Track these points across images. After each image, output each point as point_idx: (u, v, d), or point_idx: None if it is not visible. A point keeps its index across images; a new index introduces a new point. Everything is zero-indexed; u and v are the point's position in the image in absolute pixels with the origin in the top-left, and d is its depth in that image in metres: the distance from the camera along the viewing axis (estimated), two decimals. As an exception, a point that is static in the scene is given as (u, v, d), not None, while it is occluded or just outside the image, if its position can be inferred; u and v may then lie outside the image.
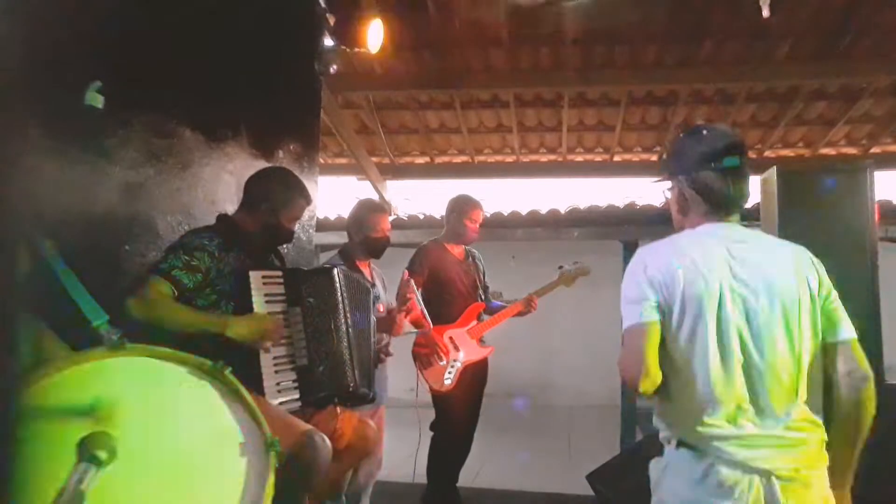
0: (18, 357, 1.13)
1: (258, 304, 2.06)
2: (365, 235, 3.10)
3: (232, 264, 2.12)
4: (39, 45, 1.72)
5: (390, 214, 3.68)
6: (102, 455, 0.92)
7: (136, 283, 1.96)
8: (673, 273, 1.59)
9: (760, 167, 4.81)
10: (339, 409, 2.28)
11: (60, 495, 0.86)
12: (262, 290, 2.09)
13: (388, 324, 2.99)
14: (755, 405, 1.54)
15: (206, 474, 1.11)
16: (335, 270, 2.25)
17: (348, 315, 2.21)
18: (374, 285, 3.15)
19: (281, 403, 2.04)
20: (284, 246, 3.43)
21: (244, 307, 2.04)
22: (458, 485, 3.69)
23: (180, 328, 1.84)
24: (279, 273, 2.19)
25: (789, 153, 6.59)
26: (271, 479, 1.12)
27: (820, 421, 1.64)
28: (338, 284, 2.22)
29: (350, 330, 2.20)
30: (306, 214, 3.72)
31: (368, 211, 3.17)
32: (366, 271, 3.16)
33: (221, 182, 2.86)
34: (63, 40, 1.88)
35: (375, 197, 6.73)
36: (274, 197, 2.27)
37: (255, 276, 2.09)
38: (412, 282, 3.24)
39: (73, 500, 0.86)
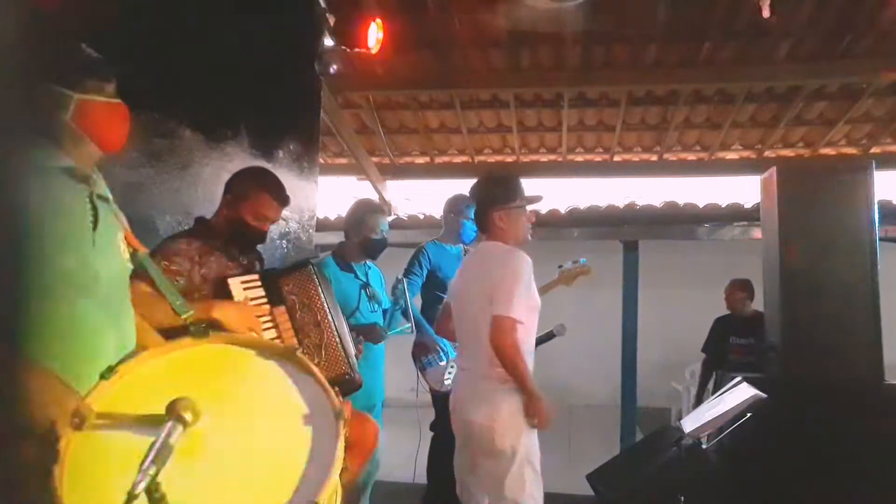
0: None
1: None
2: (364, 236, 3.08)
3: (214, 268, 2.10)
4: (39, 45, 1.72)
5: (389, 215, 3.66)
6: (188, 416, 1.08)
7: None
8: None
9: (760, 167, 4.84)
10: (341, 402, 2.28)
11: (152, 448, 1.01)
12: (244, 296, 2.08)
13: (370, 331, 2.93)
14: None
15: (274, 442, 1.26)
16: (310, 265, 2.26)
17: (329, 306, 2.23)
18: (367, 285, 3.14)
19: None
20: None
21: None
22: (458, 485, 3.69)
23: (169, 321, 1.79)
24: (256, 276, 2.17)
25: (789, 153, 6.59)
26: (340, 444, 1.24)
27: None
28: (315, 277, 2.23)
29: (334, 320, 2.22)
30: (306, 214, 3.73)
31: (368, 212, 3.15)
32: (360, 271, 3.14)
33: (221, 182, 2.84)
34: (63, 40, 1.87)
35: (375, 197, 6.73)
36: (237, 190, 2.21)
37: (234, 283, 2.07)
38: (404, 282, 3.24)
39: (163, 452, 1.01)
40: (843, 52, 4.84)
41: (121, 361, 1.35)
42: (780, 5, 3.92)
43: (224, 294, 2.05)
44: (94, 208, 1.48)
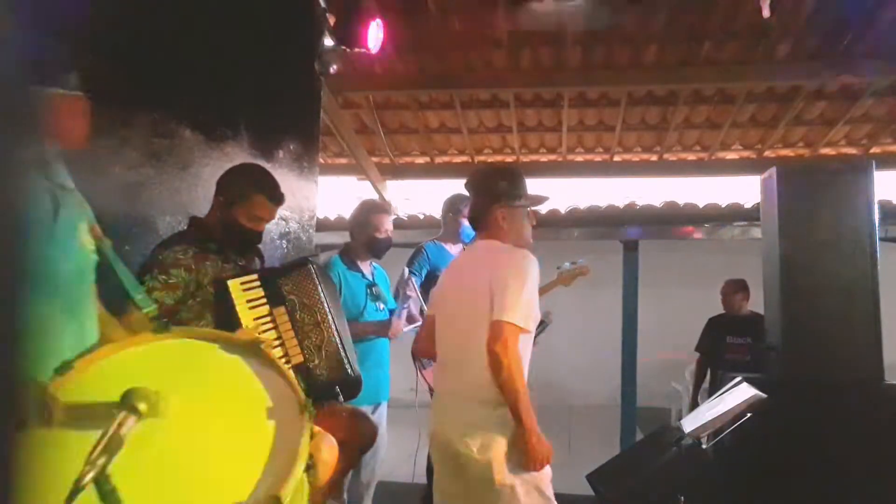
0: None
1: (242, 312, 2.03)
2: (369, 236, 3.12)
3: (210, 273, 2.08)
4: (39, 44, 1.72)
5: (393, 215, 3.67)
6: (142, 407, 1.05)
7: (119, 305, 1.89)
8: None
9: (760, 167, 4.84)
10: (340, 402, 2.26)
11: (102, 438, 0.99)
12: (244, 297, 2.06)
13: (385, 326, 2.98)
14: None
15: (235, 436, 1.24)
16: (310, 263, 2.23)
17: (330, 305, 2.20)
18: (374, 284, 3.16)
19: None
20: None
21: (228, 318, 2.01)
22: (458, 485, 3.68)
23: None
24: (255, 277, 2.14)
25: (789, 153, 6.59)
26: (305, 438, 1.21)
27: None
28: (315, 276, 2.20)
29: (334, 319, 2.20)
30: (306, 214, 3.73)
31: (372, 211, 3.19)
32: (366, 270, 3.17)
33: (221, 182, 2.86)
34: (63, 40, 1.88)
35: (375, 197, 6.73)
36: (229, 192, 2.16)
37: (233, 285, 2.05)
38: (412, 280, 3.24)
39: (113, 443, 0.99)
40: (843, 52, 4.84)
41: (78, 357, 1.32)
42: (780, 5, 3.92)
43: (223, 296, 2.04)
44: (55, 199, 1.43)
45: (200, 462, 1.18)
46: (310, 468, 1.24)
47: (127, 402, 1.05)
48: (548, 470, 2.02)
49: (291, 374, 1.38)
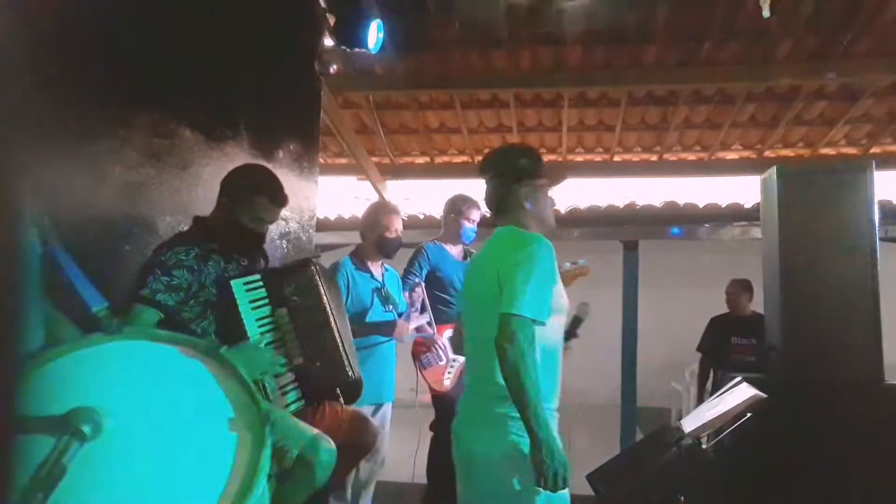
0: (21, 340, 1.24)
1: (245, 313, 2.04)
2: (379, 236, 3.17)
3: (212, 273, 2.08)
4: (40, 44, 1.72)
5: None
6: (87, 429, 0.95)
7: (123, 308, 1.82)
8: None
9: (760, 167, 4.84)
10: (341, 404, 2.26)
11: (41, 468, 0.88)
12: (247, 298, 2.06)
13: (389, 327, 3.02)
14: None
15: (193, 448, 1.15)
16: (312, 265, 2.22)
17: (332, 306, 2.20)
18: (382, 286, 3.18)
19: (286, 406, 2.04)
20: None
21: (231, 318, 2.02)
22: (458, 485, 3.68)
23: None
24: (258, 277, 2.14)
25: (789, 153, 6.59)
26: (266, 451, 1.14)
27: None
28: (318, 278, 2.19)
29: (336, 321, 2.19)
30: (306, 214, 3.73)
31: (382, 212, 3.25)
32: (376, 271, 3.20)
33: (221, 182, 2.86)
34: (64, 40, 1.88)
35: (376, 197, 6.74)
36: (232, 192, 2.16)
37: (237, 286, 2.06)
38: (422, 287, 3.29)
39: (54, 473, 0.87)
40: (843, 52, 4.84)
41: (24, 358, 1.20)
42: (779, 5, 3.92)
43: (227, 297, 2.04)
44: None
45: (154, 479, 1.09)
46: (272, 479, 1.19)
47: (70, 424, 0.94)
48: (565, 496, 1.78)
49: (251, 384, 1.31)
